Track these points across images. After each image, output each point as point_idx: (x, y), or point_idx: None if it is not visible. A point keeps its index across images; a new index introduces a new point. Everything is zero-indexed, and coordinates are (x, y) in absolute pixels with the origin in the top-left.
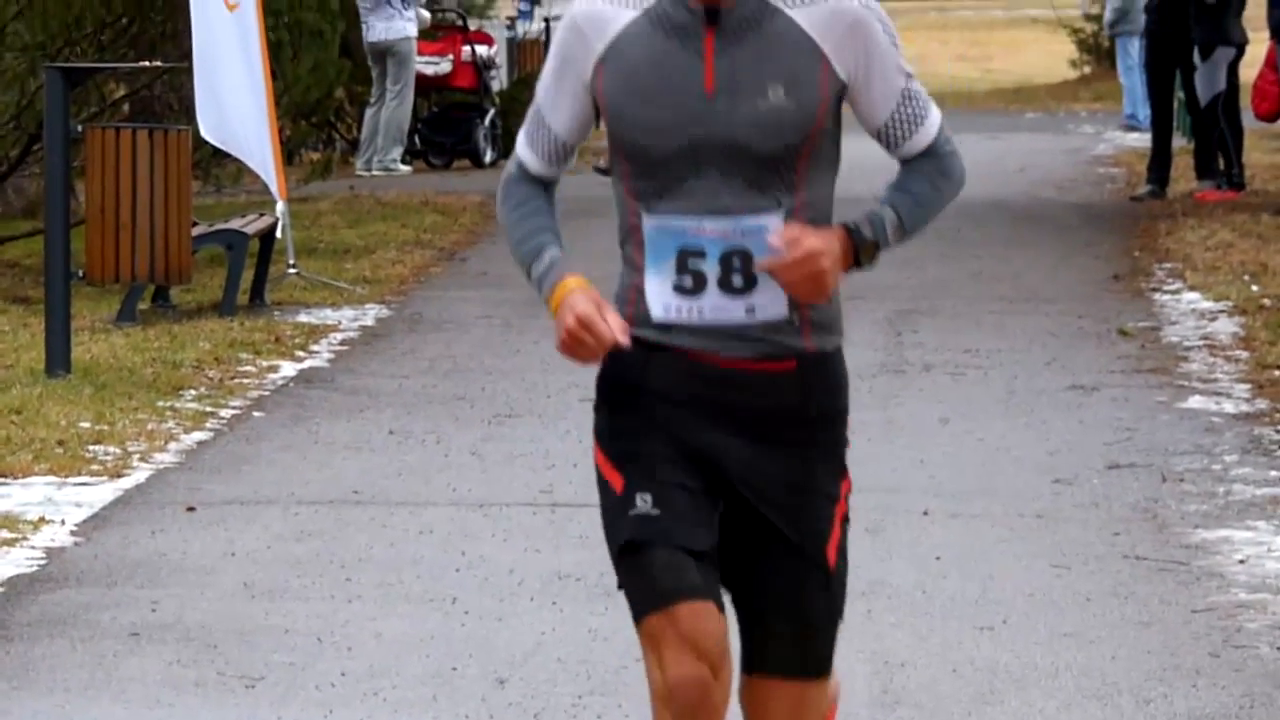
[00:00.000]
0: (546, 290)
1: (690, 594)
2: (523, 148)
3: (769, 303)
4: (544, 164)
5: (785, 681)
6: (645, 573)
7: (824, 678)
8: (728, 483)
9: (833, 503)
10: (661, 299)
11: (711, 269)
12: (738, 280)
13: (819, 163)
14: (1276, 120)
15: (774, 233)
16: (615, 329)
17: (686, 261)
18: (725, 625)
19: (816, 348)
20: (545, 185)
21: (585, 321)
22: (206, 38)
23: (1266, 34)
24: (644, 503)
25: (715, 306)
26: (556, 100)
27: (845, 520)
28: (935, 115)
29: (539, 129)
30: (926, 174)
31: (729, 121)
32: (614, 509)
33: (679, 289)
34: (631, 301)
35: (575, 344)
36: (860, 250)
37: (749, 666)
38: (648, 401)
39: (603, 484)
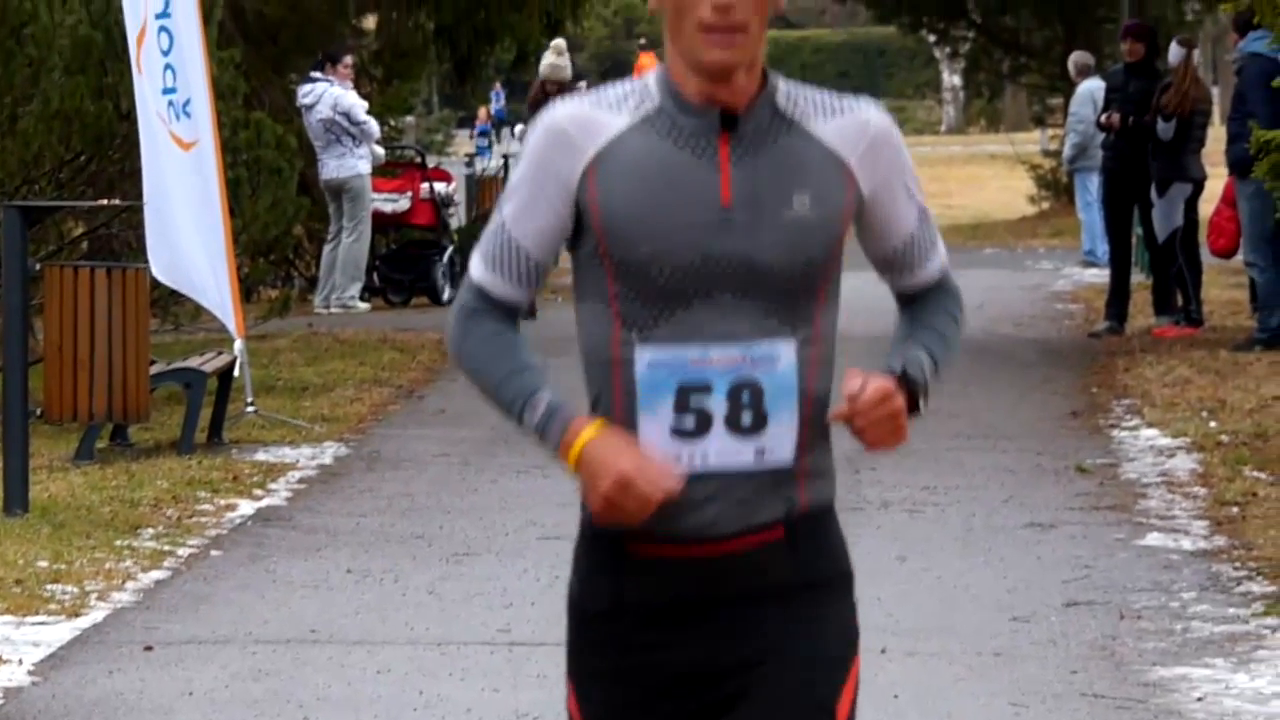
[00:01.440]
0: (554, 442)
1: None
2: (482, 271)
3: (779, 445)
4: (512, 287)
5: None
6: None
7: None
8: (722, 678)
9: (842, 669)
10: (657, 447)
11: (718, 406)
12: (747, 418)
13: (834, 287)
14: (1233, 257)
15: (785, 361)
16: (659, 481)
17: (688, 399)
18: None
19: (809, 503)
20: (511, 314)
21: (625, 484)
22: (159, 177)
23: (1225, 169)
24: None
25: (721, 450)
26: (531, 212)
27: (855, 695)
28: (941, 242)
29: (505, 247)
30: (944, 307)
31: (750, 235)
32: None
33: (678, 432)
34: None
35: (616, 510)
36: (917, 393)
37: None
38: (623, 627)
39: None
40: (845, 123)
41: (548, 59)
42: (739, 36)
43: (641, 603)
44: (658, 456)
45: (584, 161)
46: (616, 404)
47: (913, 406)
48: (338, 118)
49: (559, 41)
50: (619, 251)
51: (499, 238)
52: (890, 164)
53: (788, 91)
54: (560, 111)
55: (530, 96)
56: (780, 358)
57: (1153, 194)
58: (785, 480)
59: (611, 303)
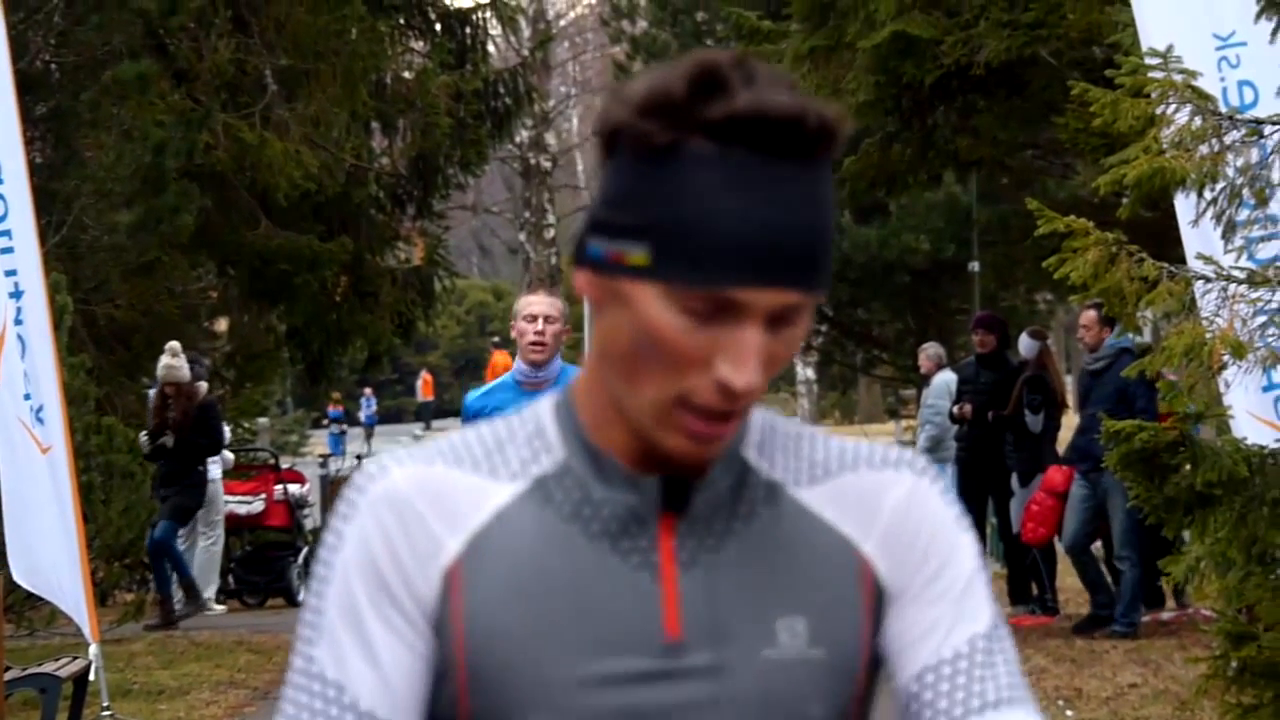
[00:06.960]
0: None
1: None
2: None
3: None
4: None
5: None
6: None
7: None
8: None
9: None
10: None
11: None
12: None
13: None
14: (1048, 544)
15: None
16: None
17: None
18: None
19: None
20: None
21: None
22: (18, 481)
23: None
24: None
25: None
26: (364, 653)
27: None
28: (1026, 700)
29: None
30: None
31: (716, 693)
32: None
33: None
34: None
35: None
36: None
37: None
38: None
39: None
40: (849, 486)
41: (163, 361)
42: (732, 425)
43: None
44: None
45: (447, 557)
46: None
47: None
48: None
49: (173, 344)
50: (489, 715)
51: (320, 709)
52: (925, 546)
53: (764, 429)
54: (399, 477)
55: (153, 404)
56: None
57: (1014, 484)
58: None
59: None
